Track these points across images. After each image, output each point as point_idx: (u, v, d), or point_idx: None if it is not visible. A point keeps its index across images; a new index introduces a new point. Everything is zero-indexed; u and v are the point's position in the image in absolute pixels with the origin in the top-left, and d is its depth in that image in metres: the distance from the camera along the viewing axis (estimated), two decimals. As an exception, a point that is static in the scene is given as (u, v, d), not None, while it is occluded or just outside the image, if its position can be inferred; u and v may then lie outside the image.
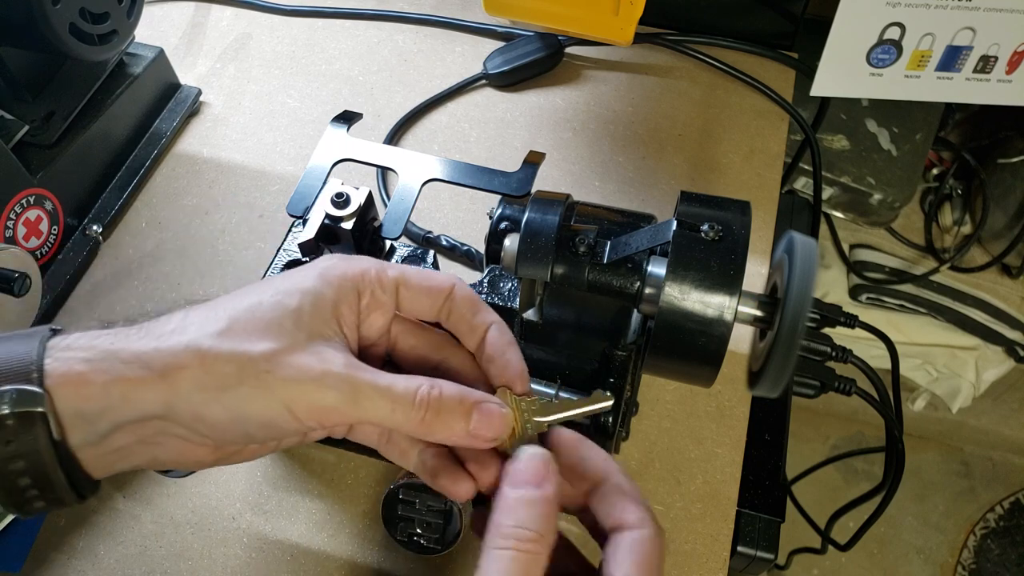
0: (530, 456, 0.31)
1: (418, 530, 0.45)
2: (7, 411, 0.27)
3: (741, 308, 0.37)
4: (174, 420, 0.29)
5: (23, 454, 0.28)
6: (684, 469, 0.52)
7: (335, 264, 0.33)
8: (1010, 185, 0.96)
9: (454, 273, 0.34)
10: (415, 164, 0.43)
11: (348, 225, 0.42)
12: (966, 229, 1.02)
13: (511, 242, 0.41)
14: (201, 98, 0.71)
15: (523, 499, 0.30)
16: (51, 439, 0.28)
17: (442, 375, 0.34)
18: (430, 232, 0.61)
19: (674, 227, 0.38)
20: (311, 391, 0.30)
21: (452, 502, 0.44)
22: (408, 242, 0.60)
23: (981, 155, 1.00)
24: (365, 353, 0.35)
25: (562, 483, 0.32)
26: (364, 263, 0.33)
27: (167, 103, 0.69)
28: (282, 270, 0.48)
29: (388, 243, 0.48)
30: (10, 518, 0.50)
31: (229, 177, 0.67)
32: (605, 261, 0.40)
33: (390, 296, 0.34)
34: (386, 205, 0.62)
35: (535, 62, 0.71)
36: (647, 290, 0.39)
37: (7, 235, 0.55)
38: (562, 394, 0.44)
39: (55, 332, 0.30)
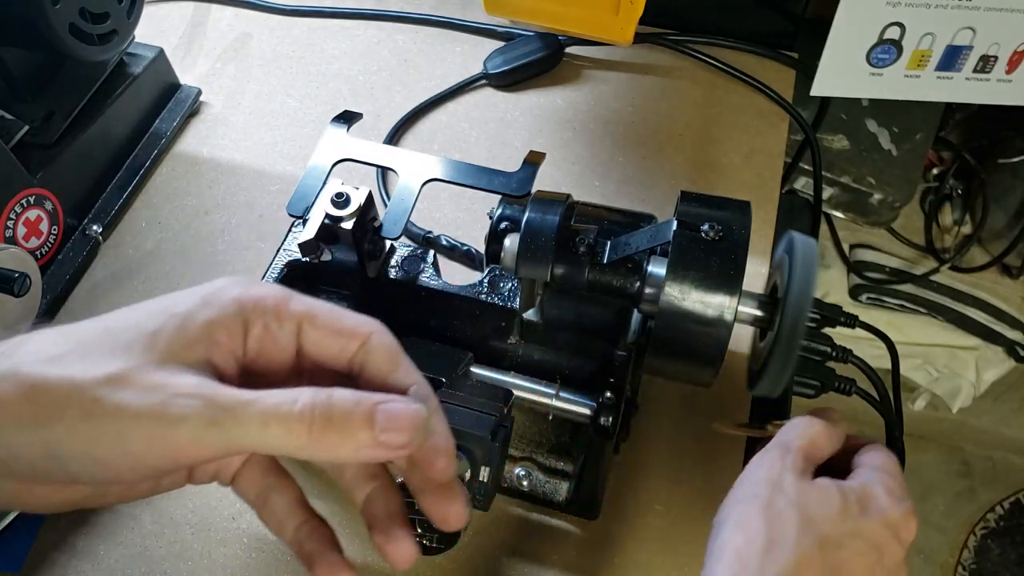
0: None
1: (419, 530, 0.45)
2: None
3: (741, 308, 0.38)
4: None
5: None
6: (684, 469, 0.52)
7: (227, 286, 0.28)
8: (1010, 185, 0.96)
9: (378, 321, 0.29)
10: (415, 164, 0.43)
11: (348, 225, 0.42)
12: (966, 229, 1.02)
13: (511, 242, 0.41)
14: (201, 98, 0.71)
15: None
16: None
17: None
18: (430, 232, 0.61)
19: (674, 227, 0.38)
20: (150, 418, 0.24)
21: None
22: (408, 242, 0.60)
23: (981, 155, 1.00)
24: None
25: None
26: (264, 289, 0.28)
27: (167, 103, 0.69)
28: (282, 270, 0.48)
29: (388, 243, 0.48)
30: (11, 517, 0.50)
31: (229, 177, 0.67)
32: (605, 261, 0.40)
33: (289, 332, 0.28)
34: (386, 205, 0.62)
35: (535, 62, 0.71)
36: (647, 290, 0.39)
37: (7, 235, 0.55)
38: (562, 394, 0.44)
39: None
